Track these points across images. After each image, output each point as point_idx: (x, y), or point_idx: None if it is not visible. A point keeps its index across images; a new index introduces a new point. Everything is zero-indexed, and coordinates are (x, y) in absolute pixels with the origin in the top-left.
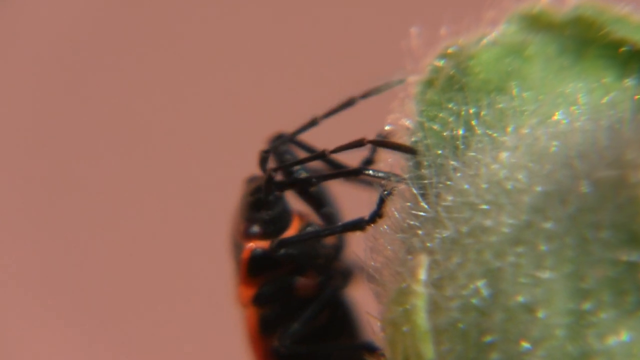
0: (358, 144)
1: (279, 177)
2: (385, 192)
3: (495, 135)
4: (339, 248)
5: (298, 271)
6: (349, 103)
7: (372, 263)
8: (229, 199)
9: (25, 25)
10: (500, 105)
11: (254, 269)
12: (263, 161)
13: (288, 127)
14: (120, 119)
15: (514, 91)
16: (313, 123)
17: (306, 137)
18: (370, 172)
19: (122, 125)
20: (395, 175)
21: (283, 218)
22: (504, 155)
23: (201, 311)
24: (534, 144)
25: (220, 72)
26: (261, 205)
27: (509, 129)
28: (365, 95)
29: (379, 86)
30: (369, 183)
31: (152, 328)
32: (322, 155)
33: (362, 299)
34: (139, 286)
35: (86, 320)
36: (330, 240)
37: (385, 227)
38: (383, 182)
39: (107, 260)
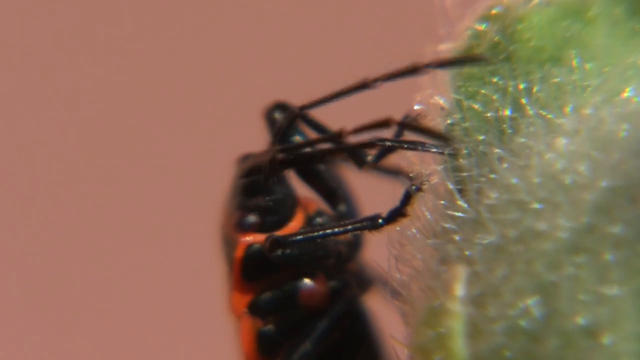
0: (382, 124)
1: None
2: (414, 187)
3: (550, 116)
4: (353, 245)
5: (305, 274)
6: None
7: (398, 275)
8: (212, 188)
9: None
10: (557, 80)
11: (251, 270)
12: (283, 127)
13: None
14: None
15: (573, 62)
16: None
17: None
18: (405, 145)
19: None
20: (448, 144)
21: (286, 205)
22: (561, 141)
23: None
24: (598, 127)
25: (198, 50)
26: (260, 188)
27: (567, 109)
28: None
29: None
30: (395, 173)
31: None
32: (338, 136)
33: (384, 319)
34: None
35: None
36: (343, 236)
37: (414, 230)
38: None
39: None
